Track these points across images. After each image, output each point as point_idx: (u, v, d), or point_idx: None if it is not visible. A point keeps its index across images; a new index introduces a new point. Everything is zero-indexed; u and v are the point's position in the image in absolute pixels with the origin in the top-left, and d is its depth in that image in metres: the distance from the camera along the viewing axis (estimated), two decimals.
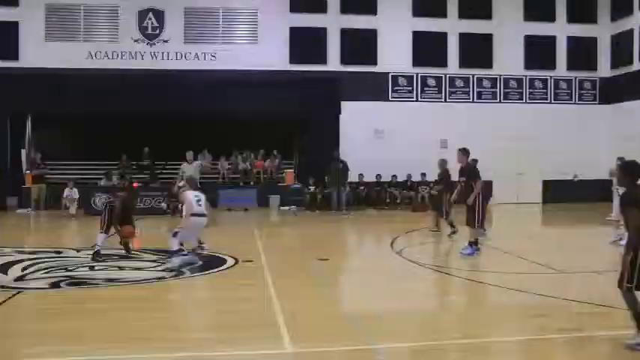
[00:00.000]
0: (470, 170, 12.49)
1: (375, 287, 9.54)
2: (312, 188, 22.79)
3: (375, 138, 24.15)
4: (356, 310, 8.00)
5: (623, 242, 7.56)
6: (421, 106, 24.77)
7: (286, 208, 22.86)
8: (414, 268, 11.24)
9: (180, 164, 18.33)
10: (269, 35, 24.01)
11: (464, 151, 12.65)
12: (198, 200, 11.01)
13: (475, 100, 25.32)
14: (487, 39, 25.12)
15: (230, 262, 11.28)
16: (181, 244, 11.21)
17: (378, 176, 23.68)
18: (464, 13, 24.90)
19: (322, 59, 24.19)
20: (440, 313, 8.15)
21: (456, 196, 13.63)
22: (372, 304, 8.38)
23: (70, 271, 10.50)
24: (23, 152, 22.56)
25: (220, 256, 11.81)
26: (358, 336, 6.81)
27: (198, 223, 11.01)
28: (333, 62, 24.35)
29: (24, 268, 10.64)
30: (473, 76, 25.27)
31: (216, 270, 10.65)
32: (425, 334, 6.99)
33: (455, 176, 13.79)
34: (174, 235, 10.78)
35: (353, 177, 22.93)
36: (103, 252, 11.50)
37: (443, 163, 16.10)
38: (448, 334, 6.99)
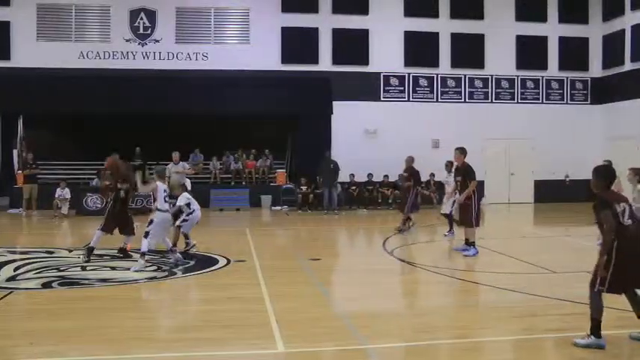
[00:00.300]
0: (466, 170, 12.38)
1: (366, 287, 9.56)
2: (303, 188, 22.78)
3: (367, 138, 24.17)
4: (348, 309, 8.00)
5: None
6: (413, 106, 24.76)
7: (278, 208, 22.88)
8: (406, 268, 11.29)
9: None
10: (261, 35, 23.96)
11: (461, 150, 12.58)
12: (167, 195, 10.95)
13: (467, 100, 25.31)
14: (479, 39, 25.13)
15: (222, 262, 11.30)
16: (174, 245, 11.31)
17: (370, 176, 23.66)
18: (455, 14, 24.90)
19: (314, 59, 24.15)
20: (431, 312, 8.16)
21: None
22: (363, 304, 8.41)
23: (62, 271, 10.48)
24: (15, 152, 22.51)
25: (212, 256, 11.83)
26: (350, 336, 6.83)
27: (163, 218, 10.85)
28: (325, 62, 24.31)
29: (16, 269, 10.62)
30: (465, 76, 25.27)
31: (208, 270, 10.65)
32: (416, 333, 7.01)
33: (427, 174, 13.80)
34: (145, 235, 10.63)
35: (344, 177, 22.94)
36: (95, 252, 11.46)
37: (409, 160, 16.14)
38: (439, 334, 7.02)
